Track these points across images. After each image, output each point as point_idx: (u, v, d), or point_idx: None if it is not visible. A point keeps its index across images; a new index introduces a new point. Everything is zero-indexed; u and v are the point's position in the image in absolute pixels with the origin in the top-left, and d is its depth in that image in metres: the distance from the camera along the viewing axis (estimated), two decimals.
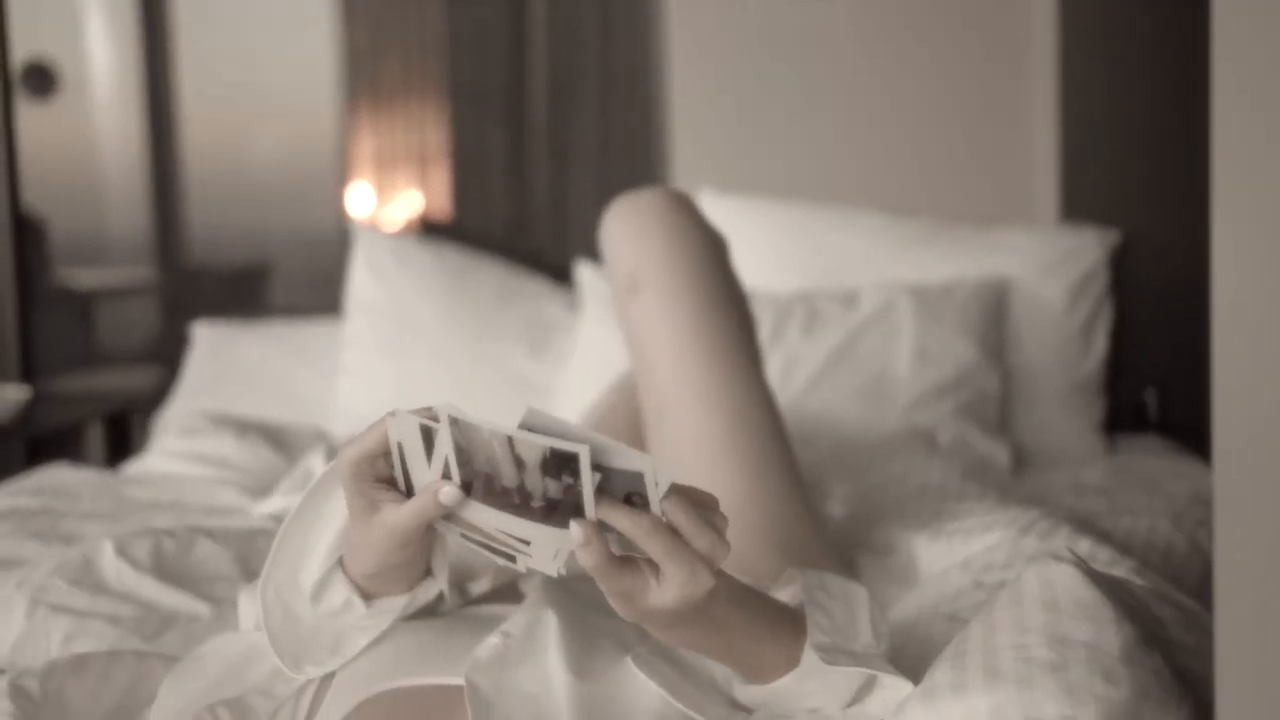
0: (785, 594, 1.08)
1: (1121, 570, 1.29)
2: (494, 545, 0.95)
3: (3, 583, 1.58)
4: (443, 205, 3.39)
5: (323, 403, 2.82)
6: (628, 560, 0.92)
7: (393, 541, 0.98)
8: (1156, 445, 2.44)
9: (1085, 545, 1.38)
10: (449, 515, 0.94)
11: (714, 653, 1.00)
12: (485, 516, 0.92)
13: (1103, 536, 1.44)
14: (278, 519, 1.83)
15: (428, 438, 0.93)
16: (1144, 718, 0.91)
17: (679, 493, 0.90)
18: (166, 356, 3.63)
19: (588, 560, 0.89)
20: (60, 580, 1.51)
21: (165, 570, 1.58)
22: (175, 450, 2.31)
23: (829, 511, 1.86)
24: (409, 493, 0.98)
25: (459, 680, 1.00)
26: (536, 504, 0.89)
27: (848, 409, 2.37)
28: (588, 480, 0.86)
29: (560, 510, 0.88)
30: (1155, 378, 2.56)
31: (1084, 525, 1.48)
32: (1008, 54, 2.98)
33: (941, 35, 2.99)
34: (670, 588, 0.90)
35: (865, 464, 2.08)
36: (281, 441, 2.37)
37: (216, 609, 1.52)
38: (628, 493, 0.89)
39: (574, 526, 0.87)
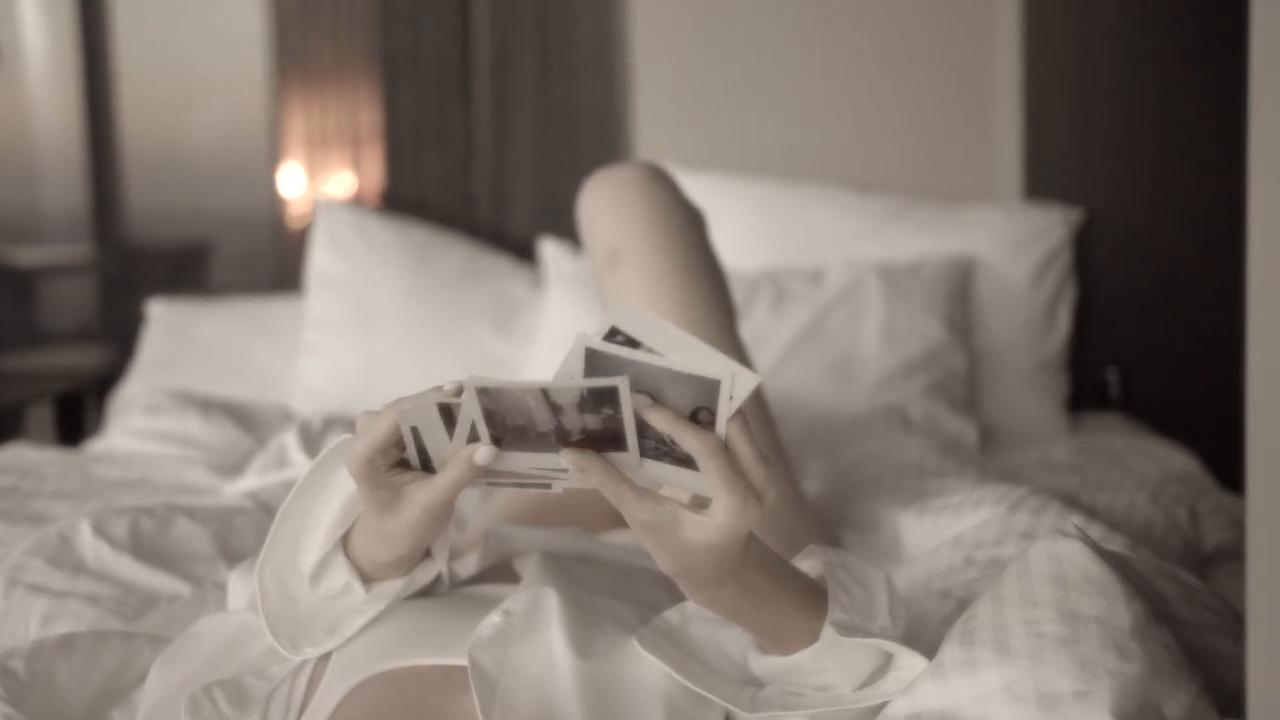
0: (804, 566, 1.08)
1: (1116, 546, 1.30)
2: (526, 481, 0.95)
3: None
4: (376, 186, 3.33)
5: (283, 380, 2.79)
6: (645, 490, 0.91)
7: (429, 516, 0.97)
8: (1119, 423, 2.46)
9: (1077, 522, 1.38)
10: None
11: (743, 617, 0.99)
12: (519, 461, 0.92)
13: (1089, 513, 1.45)
14: (253, 497, 1.81)
15: (446, 414, 0.92)
16: (1156, 693, 0.91)
17: (742, 418, 0.89)
18: (111, 335, 3.58)
19: (593, 481, 0.88)
20: (37, 560, 1.49)
21: (144, 549, 1.55)
22: (139, 429, 2.28)
23: (805, 488, 1.86)
24: (425, 467, 0.97)
25: (459, 660, 0.99)
26: (575, 438, 0.88)
27: (816, 387, 2.37)
28: (628, 413, 0.85)
29: (599, 437, 0.88)
30: (1116, 356, 2.58)
31: (1070, 502, 1.49)
32: (972, 30, 2.99)
33: (906, 10, 2.99)
34: (717, 515, 0.89)
35: (839, 441, 2.08)
36: (246, 419, 2.34)
37: (197, 588, 1.50)
38: (697, 407, 0.88)
39: (564, 455, 0.88)
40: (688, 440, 0.87)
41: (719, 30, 3.04)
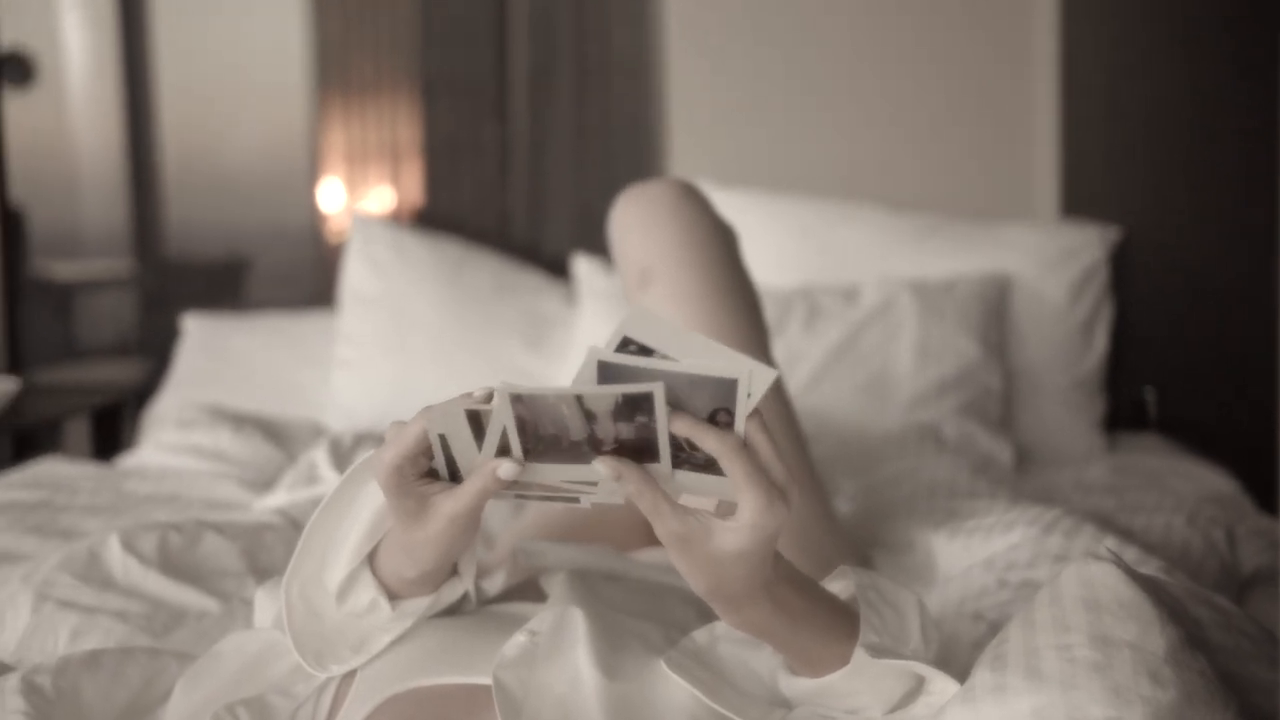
0: (835, 587, 1.07)
1: (1151, 569, 1.28)
2: (555, 495, 0.94)
3: (7, 578, 1.55)
4: (415, 201, 3.34)
5: (317, 396, 2.79)
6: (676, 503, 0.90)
7: (455, 527, 0.96)
8: (1156, 443, 2.43)
9: (1111, 544, 1.37)
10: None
11: (775, 637, 0.98)
12: (548, 474, 0.91)
13: (1125, 535, 1.43)
14: (282, 513, 1.80)
15: (475, 422, 0.91)
16: None
17: (759, 416, 0.89)
18: (148, 349, 3.59)
19: (629, 488, 0.88)
20: (66, 575, 1.49)
21: (172, 565, 1.55)
22: (171, 443, 2.29)
23: (836, 506, 1.84)
24: (453, 478, 0.96)
25: (484, 679, 0.98)
26: (607, 448, 0.88)
27: (849, 405, 2.35)
28: (662, 420, 0.85)
29: (631, 449, 0.87)
30: (1154, 375, 2.55)
31: (1104, 524, 1.46)
32: (1009, 48, 2.97)
33: (943, 28, 2.98)
34: (745, 515, 0.88)
35: (871, 460, 2.06)
36: (279, 435, 2.35)
37: (225, 605, 1.50)
38: (715, 409, 0.87)
39: (597, 464, 0.87)
40: (709, 442, 0.86)
41: (753, 47, 3.03)
